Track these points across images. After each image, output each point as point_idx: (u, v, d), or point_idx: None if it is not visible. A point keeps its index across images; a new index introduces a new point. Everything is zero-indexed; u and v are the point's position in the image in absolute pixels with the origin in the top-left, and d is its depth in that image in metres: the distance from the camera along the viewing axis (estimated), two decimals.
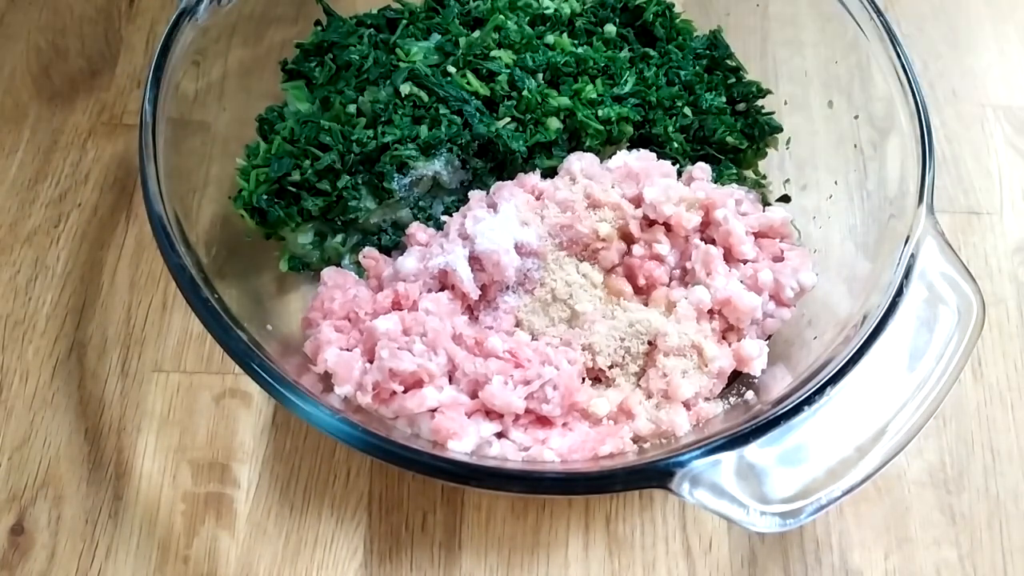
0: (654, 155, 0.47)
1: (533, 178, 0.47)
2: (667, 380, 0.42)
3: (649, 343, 0.43)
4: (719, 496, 0.33)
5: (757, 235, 0.46)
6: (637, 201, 0.45)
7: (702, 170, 0.47)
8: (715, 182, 0.48)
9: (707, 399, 0.43)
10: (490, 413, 0.41)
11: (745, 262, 0.45)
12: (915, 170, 0.40)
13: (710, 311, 0.44)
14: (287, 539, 0.46)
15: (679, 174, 0.48)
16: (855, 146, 0.46)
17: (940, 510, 0.46)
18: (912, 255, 0.37)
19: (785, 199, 0.51)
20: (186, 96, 0.45)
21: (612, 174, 0.46)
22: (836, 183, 0.48)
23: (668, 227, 0.45)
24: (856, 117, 0.46)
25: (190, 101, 0.46)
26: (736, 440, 0.34)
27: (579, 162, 0.47)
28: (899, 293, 0.37)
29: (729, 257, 0.45)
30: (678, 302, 0.43)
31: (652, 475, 0.34)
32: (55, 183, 0.56)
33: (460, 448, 0.38)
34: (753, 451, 0.34)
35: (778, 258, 0.46)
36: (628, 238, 0.45)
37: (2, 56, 0.60)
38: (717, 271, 0.44)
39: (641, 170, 0.46)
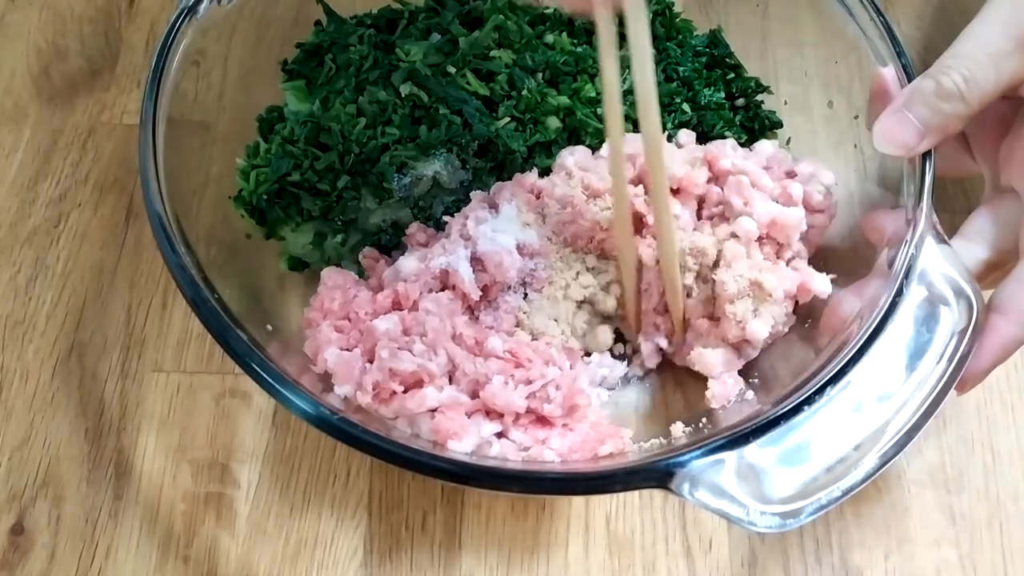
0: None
1: (531, 177, 0.47)
2: (742, 325, 0.42)
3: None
4: (719, 496, 0.33)
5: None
6: (636, 181, 0.45)
7: (687, 135, 0.48)
8: None
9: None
10: (490, 413, 0.41)
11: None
12: (915, 170, 0.40)
13: (759, 238, 0.44)
14: (287, 539, 0.46)
15: None
16: (855, 146, 0.46)
17: (940, 510, 0.46)
18: (912, 255, 0.37)
19: None
20: (186, 96, 0.45)
21: (608, 161, 0.46)
22: (836, 183, 0.48)
23: (675, 191, 0.45)
24: (856, 117, 0.46)
25: (190, 101, 0.46)
26: (736, 440, 0.34)
27: (571, 156, 0.47)
28: (899, 293, 0.37)
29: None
30: (725, 240, 0.44)
31: (652, 475, 0.34)
32: (55, 183, 0.56)
33: (460, 448, 0.38)
34: (753, 451, 0.34)
35: (791, 174, 0.46)
36: (636, 218, 0.45)
37: (2, 56, 0.60)
38: (753, 198, 0.44)
39: (634, 150, 0.46)
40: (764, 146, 0.47)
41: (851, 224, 0.46)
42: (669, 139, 0.49)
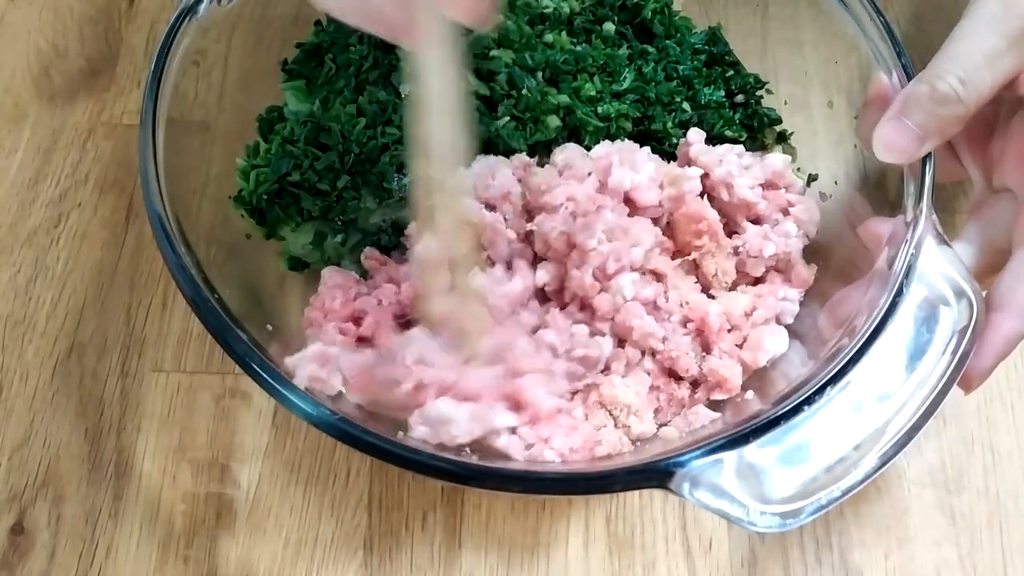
0: (636, 145, 0.48)
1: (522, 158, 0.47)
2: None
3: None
4: (719, 496, 0.33)
5: (764, 186, 0.47)
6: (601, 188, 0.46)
7: (697, 134, 0.48)
8: None
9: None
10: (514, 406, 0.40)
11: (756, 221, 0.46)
12: (915, 170, 0.40)
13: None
14: (287, 539, 0.46)
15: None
16: (855, 146, 0.46)
17: (940, 510, 0.46)
18: (912, 255, 0.37)
19: None
20: (186, 96, 0.45)
21: (594, 162, 0.46)
22: (836, 183, 0.48)
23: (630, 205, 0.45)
24: (856, 117, 0.46)
25: (190, 101, 0.46)
26: (736, 440, 0.34)
27: (560, 153, 0.47)
28: (899, 293, 0.36)
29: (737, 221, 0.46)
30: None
31: (652, 475, 0.34)
32: (55, 183, 0.56)
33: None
34: (753, 451, 0.34)
35: (785, 210, 0.46)
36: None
37: (2, 56, 0.60)
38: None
39: (603, 152, 0.46)
40: (773, 160, 0.47)
41: (850, 224, 0.46)
42: (675, 139, 0.49)
